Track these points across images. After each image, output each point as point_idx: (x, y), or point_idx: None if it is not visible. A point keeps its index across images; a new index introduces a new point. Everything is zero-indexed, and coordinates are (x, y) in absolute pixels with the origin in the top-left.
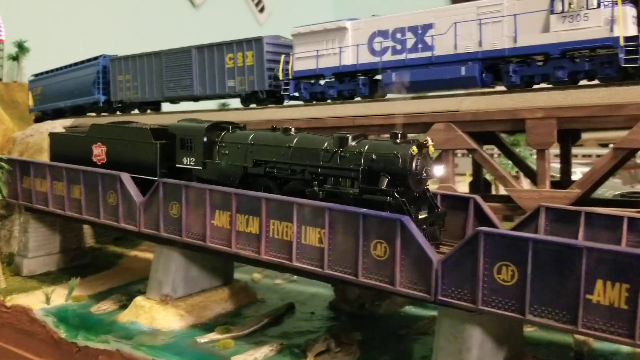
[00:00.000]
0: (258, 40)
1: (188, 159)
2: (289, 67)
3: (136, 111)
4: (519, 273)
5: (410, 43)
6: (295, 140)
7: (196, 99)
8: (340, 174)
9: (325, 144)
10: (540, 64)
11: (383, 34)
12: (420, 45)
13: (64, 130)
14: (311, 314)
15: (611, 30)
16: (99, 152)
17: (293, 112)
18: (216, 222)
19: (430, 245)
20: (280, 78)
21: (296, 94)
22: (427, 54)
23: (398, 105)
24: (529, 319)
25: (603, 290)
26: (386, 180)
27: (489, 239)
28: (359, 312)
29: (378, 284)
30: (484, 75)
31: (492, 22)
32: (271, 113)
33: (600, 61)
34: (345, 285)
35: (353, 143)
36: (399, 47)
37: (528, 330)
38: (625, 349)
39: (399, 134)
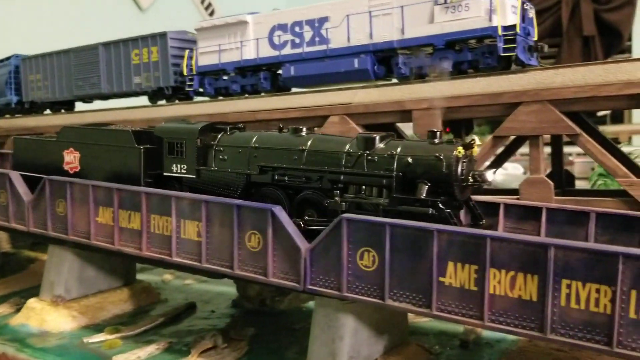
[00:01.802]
0: (162, 35)
1: (178, 166)
2: (193, 62)
3: (48, 111)
4: (379, 258)
5: (307, 36)
6: (310, 142)
7: (105, 97)
8: (368, 182)
9: (347, 146)
10: (428, 55)
11: (282, 27)
12: (317, 39)
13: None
14: (211, 312)
15: (490, 20)
16: (71, 159)
17: (197, 108)
18: (100, 219)
19: (300, 234)
20: (185, 74)
21: (201, 90)
22: (323, 47)
23: (296, 99)
24: (388, 304)
25: (454, 273)
26: (425, 188)
27: (352, 225)
28: (260, 308)
29: (253, 276)
30: (376, 67)
31: (382, 14)
32: (176, 110)
33: (481, 51)
34: (224, 278)
35: (381, 145)
36: (297, 40)
37: (422, 320)
38: (510, 337)
39: (437, 133)
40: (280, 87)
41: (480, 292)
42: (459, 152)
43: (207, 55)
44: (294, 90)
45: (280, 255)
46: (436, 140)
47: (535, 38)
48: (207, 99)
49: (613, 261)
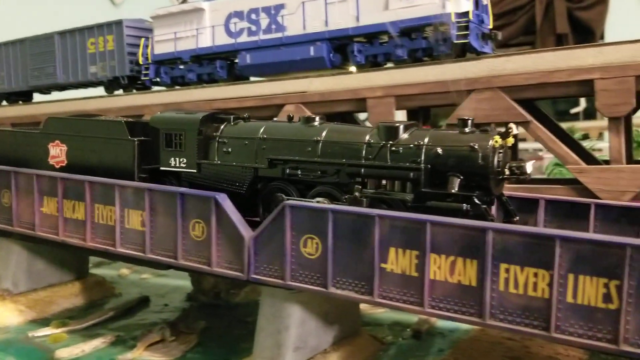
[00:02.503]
0: (118, 23)
1: (177, 159)
2: (149, 51)
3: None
4: (322, 246)
5: (264, 24)
6: (325, 132)
7: (61, 87)
8: (392, 175)
9: (367, 137)
10: (384, 43)
11: (239, 15)
12: (273, 26)
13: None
14: (164, 306)
15: (443, 7)
16: (57, 152)
17: (153, 97)
18: (45, 209)
19: (244, 222)
20: (140, 62)
21: (158, 79)
22: (279, 34)
23: (252, 88)
24: (331, 292)
25: (396, 259)
26: (457, 182)
27: (295, 212)
28: (215, 301)
29: (196, 266)
30: (332, 55)
31: (337, 1)
32: (131, 100)
33: (435, 38)
34: (170, 269)
35: (405, 135)
36: (253, 28)
37: (378, 311)
38: (463, 326)
39: (469, 121)
40: (237, 75)
41: (421, 278)
42: (496, 141)
43: (163, 43)
44: (252, 79)
45: (224, 244)
46: (467, 129)
47: (491, 26)
48: (163, 88)
49: (550, 245)
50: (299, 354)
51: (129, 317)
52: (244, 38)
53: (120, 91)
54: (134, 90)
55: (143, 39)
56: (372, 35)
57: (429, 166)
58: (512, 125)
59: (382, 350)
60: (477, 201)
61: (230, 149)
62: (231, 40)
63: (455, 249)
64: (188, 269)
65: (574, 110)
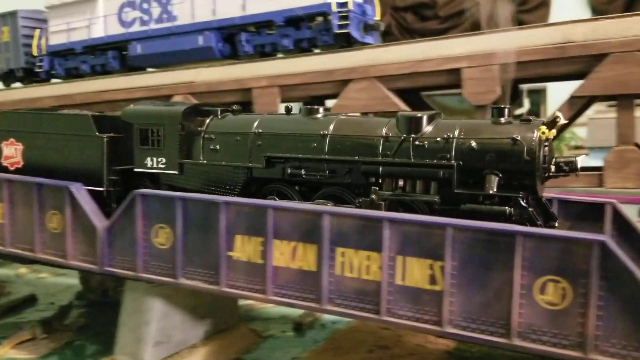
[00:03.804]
0: (12, 14)
1: (154, 159)
2: (43, 42)
3: None
4: (173, 235)
5: (155, 13)
6: (333, 125)
7: None
8: (418, 174)
9: (384, 130)
10: (271, 32)
11: (131, 4)
12: (164, 16)
13: None
14: (50, 305)
15: None
16: (11, 152)
17: (45, 90)
18: None
19: (98, 211)
20: (35, 54)
21: (53, 72)
22: (170, 24)
23: (142, 79)
24: (181, 282)
25: (242, 246)
26: (496, 181)
27: (145, 201)
28: (103, 299)
29: (53, 259)
30: (221, 45)
31: None
32: (24, 93)
33: (319, 28)
34: (34, 263)
35: (429, 127)
36: (145, 17)
37: (267, 306)
38: (345, 318)
39: (505, 109)
40: (131, 66)
41: (265, 265)
42: (543, 132)
43: (58, 34)
44: (149, 70)
45: (79, 236)
46: (503, 120)
47: (377, 17)
48: (59, 80)
49: (379, 227)
50: (161, 348)
51: (12, 316)
52: (135, 28)
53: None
54: (34, 83)
55: (38, 30)
56: (259, 24)
57: (461, 163)
58: (558, 113)
59: (257, 344)
60: (523, 203)
61: (218, 146)
62: (123, 30)
63: (296, 234)
64: (45, 262)
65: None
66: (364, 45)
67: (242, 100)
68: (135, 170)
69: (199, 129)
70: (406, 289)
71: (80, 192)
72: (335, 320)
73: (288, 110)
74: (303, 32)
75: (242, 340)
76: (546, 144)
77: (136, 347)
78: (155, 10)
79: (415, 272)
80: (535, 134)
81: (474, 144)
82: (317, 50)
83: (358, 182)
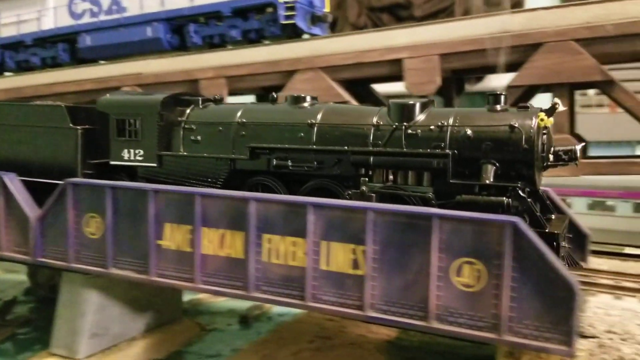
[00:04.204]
0: None
1: (132, 151)
2: None
3: None
4: (104, 224)
5: (105, 4)
6: (321, 113)
7: None
8: (410, 164)
9: (375, 118)
10: (219, 23)
11: None
12: (114, 7)
13: None
14: None
15: None
16: None
17: None
18: None
19: (31, 201)
20: None
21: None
22: (119, 15)
23: (91, 71)
24: (112, 272)
25: (171, 235)
26: (493, 170)
27: (76, 190)
28: (52, 295)
29: None
30: (170, 37)
31: None
32: None
33: (266, 19)
34: None
35: (422, 115)
36: (95, 9)
37: (218, 300)
38: (293, 310)
39: (501, 96)
40: (81, 58)
41: (193, 253)
42: (541, 119)
43: (8, 27)
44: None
45: (13, 226)
46: (499, 107)
47: (327, 9)
48: (10, 74)
49: (304, 212)
50: (98, 341)
51: None
52: (85, 19)
53: None
54: None
55: None
56: (207, 15)
57: (456, 152)
58: (557, 100)
59: (200, 337)
60: (522, 194)
61: (199, 137)
62: (73, 22)
63: (224, 221)
64: None
65: None
66: (311, 36)
67: (190, 90)
68: (111, 163)
69: (179, 119)
70: (330, 274)
71: (14, 181)
72: (282, 313)
73: (273, 99)
74: (251, 23)
75: (184, 333)
76: (544, 131)
77: (71, 339)
78: (105, 2)
79: (339, 257)
80: (533, 122)
81: (469, 132)
82: (266, 42)
83: (348, 174)
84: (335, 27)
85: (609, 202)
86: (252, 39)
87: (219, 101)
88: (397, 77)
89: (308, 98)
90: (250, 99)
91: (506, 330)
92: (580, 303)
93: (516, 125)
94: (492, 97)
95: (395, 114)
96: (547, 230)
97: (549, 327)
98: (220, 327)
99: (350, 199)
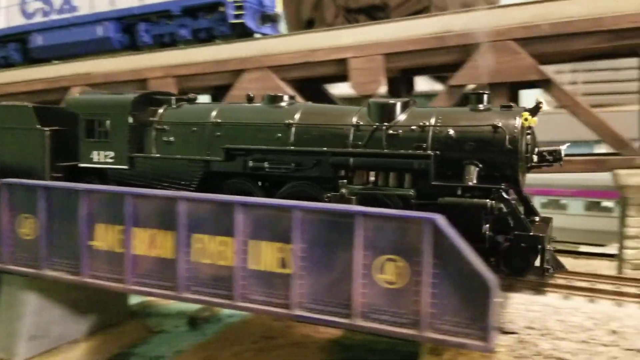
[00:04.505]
0: None
1: (101, 153)
2: None
3: None
4: (38, 225)
5: (57, 3)
6: (299, 113)
7: None
8: (391, 165)
9: (355, 118)
10: (169, 23)
11: None
12: (65, 6)
13: None
14: None
15: None
16: None
17: None
18: None
19: None
20: None
21: None
22: (70, 15)
23: (41, 71)
24: (45, 273)
25: (103, 235)
26: (476, 172)
27: (11, 190)
28: None
29: None
30: (120, 36)
31: None
32: None
33: (215, 18)
34: None
35: (403, 115)
36: (47, 8)
37: (167, 302)
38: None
39: (485, 95)
40: (33, 58)
41: (124, 254)
42: (525, 119)
43: None
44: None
45: None
46: (482, 106)
47: (280, 9)
48: None
49: (232, 211)
50: (37, 343)
51: None
52: (37, 19)
53: None
54: None
55: None
56: (157, 14)
57: (438, 152)
58: (541, 99)
59: (145, 339)
60: (506, 195)
61: (172, 138)
62: (25, 22)
63: (155, 221)
64: None
65: None
66: (261, 35)
67: (140, 89)
68: (80, 165)
69: (151, 119)
70: (259, 274)
71: None
72: (231, 314)
73: (249, 99)
74: (200, 23)
75: (129, 335)
76: (529, 131)
77: (9, 341)
78: (57, 1)
79: (267, 256)
80: (517, 121)
81: (452, 132)
82: (217, 41)
83: (327, 176)
84: (312, 28)
85: (563, 201)
86: (203, 38)
87: (193, 100)
88: (344, 76)
89: (286, 97)
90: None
91: (426, 326)
92: (497, 299)
93: (499, 125)
94: (474, 96)
95: (375, 114)
96: (531, 234)
97: (467, 323)
98: (168, 329)
99: (330, 201)
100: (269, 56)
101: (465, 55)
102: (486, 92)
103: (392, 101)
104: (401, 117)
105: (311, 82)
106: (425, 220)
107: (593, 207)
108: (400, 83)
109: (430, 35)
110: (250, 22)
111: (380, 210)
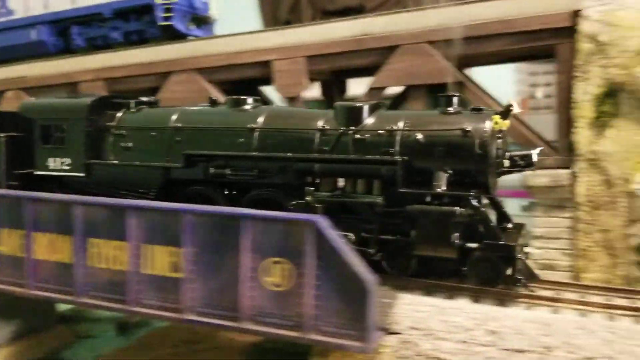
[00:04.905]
0: None
1: (58, 160)
2: None
3: None
4: None
5: None
6: (263, 117)
7: None
8: (357, 171)
9: (321, 122)
10: (102, 25)
11: None
12: (2, 10)
13: None
14: None
15: None
16: None
17: None
18: None
19: None
20: None
21: None
22: (5, 18)
23: None
24: None
25: (7, 240)
26: (445, 178)
27: None
28: None
29: None
30: (55, 39)
31: None
32: None
33: (146, 21)
34: None
35: (371, 119)
36: None
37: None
38: None
39: (454, 98)
40: None
41: (26, 258)
42: (496, 123)
43: None
44: None
45: None
46: (451, 109)
47: (214, 11)
48: None
49: (125, 215)
50: None
51: None
52: None
53: None
54: None
55: None
56: (89, 17)
57: (406, 158)
58: (513, 102)
59: (70, 344)
60: (475, 203)
61: (131, 144)
62: None
63: (54, 226)
64: None
65: None
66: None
67: (71, 93)
68: (35, 173)
69: (109, 124)
70: (153, 278)
71: None
72: None
73: (213, 102)
74: (131, 25)
75: (53, 340)
76: (499, 135)
77: None
78: None
79: (160, 260)
80: (487, 125)
81: (420, 136)
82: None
83: (292, 182)
84: None
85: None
86: (134, 40)
87: (154, 104)
88: (269, 79)
89: (250, 100)
90: None
91: (310, 328)
92: (387, 300)
93: (469, 129)
94: (444, 99)
95: (342, 117)
96: (501, 242)
97: (348, 324)
98: (96, 335)
99: (295, 209)
100: (195, 58)
101: (385, 57)
102: (456, 94)
103: (359, 104)
104: (369, 120)
105: (246, 84)
106: (307, 222)
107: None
108: (333, 86)
109: (350, 38)
110: (179, 25)
111: (266, 213)
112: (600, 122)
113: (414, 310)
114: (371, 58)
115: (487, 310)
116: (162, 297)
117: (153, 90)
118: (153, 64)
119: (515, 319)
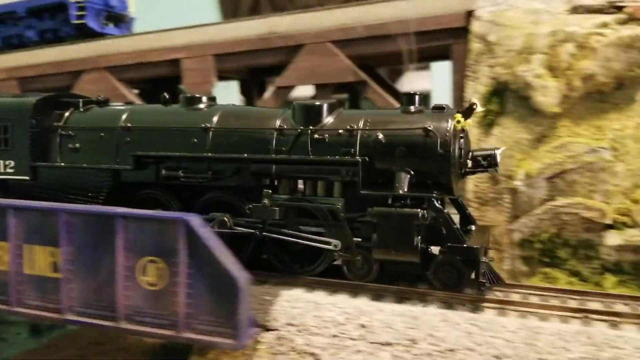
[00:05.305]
0: None
1: (1, 162)
2: None
3: None
4: None
5: None
6: (218, 116)
7: None
8: (316, 173)
9: (278, 121)
10: (17, 24)
11: None
12: None
13: None
14: None
15: None
16: None
17: None
18: None
19: None
20: None
21: None
22: None
23: None
24: None
25: None
26: (407, 179)
27: None
28: None
29: None
30: None
31: None
32: None
33: (60, 19)
34: None
35: (330, 118)
36: None
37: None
38: None
39: (416, 96)
40: None
41: None
42: (458, 121)
43: None
44: None
45: None
46: (413, 108)
47: (132, 9)
48: None
49: (4, 214)
50: None
51: None
52: None
53: None
54: None
55: None
56: (4, 16)
57: (367, 159)
58: (475, 100)
59: None
60: (437, 204)
61: (79, 145)
62: None
63: None
64: None
65: None
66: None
67: None
68: None
69: (56, 124)
70: (34, 278)
71: None
72: None
73: (165, 101)
74: (46, 24)
75: None
76: (462, 135)
77: None
78: None
79: (40, 260)
80: (449, 124)
81: (381, 136)
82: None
83: (248, 185)
84: None
85: None
86: (49, 39)
87: (103, 103)
88: (178, 77)
89: (204, 98)
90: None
91: (184, 327)
92: (249, 297)
93: (431, 128)
94: (405, 97)
95: (300, 117)
96: (464, 245)
97: (221, 322)
98: (7, 337)
99: (252, 213)
100: (105, 57)
101: (291, 57)
102: (417, 92)
103: (318, 103)
104: (328, 119)
105: (168, 83)
106: (179, 220)
107: None
108: (252, 85)
109: (257, 37)
110: (92, 23)
111: (139, 212)
112: (488, 121)
113: (291, 307)
114: (278, 57)
115: (360, 305)
116: (44, 298)
117: (66, 89)
118: (65, 62)
119: (385, 313)
